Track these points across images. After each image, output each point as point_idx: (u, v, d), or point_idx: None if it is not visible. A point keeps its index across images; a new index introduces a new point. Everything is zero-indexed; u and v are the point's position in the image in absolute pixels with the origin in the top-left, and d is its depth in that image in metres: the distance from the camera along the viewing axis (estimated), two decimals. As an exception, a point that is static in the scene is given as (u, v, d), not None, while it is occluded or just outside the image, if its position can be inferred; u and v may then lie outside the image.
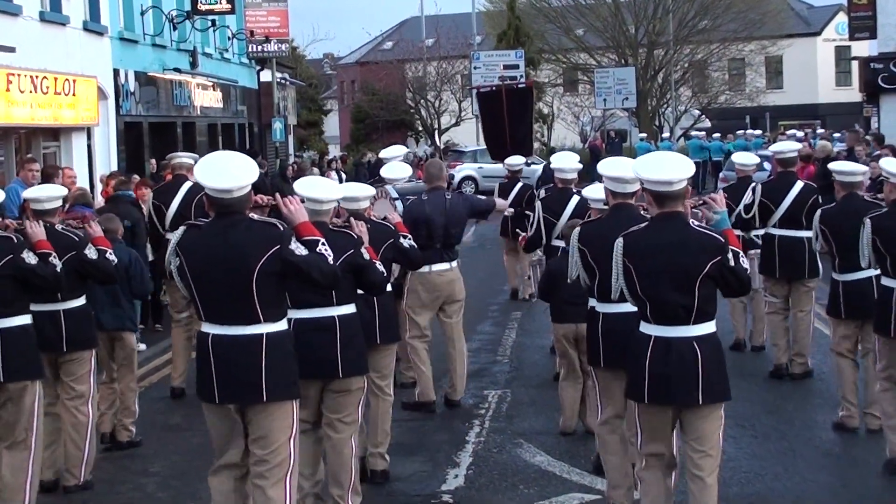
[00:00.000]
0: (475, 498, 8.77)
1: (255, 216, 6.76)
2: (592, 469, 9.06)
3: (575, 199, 11.64)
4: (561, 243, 11.46)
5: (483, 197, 12.13)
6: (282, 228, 6.64)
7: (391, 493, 8.92)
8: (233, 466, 6.88)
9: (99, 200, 16.81)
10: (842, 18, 58.57)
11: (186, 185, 12.18)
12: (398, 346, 9.99)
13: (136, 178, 18.55)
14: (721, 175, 34.49)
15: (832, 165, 10.58)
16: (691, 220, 6.77)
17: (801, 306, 12.25)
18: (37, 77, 20.35)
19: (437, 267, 11.07)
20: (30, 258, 8.07)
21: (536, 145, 41.69)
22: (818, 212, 10.22)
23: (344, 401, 7.94)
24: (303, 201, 7.12)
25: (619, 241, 6.85)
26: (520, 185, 18.10)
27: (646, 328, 6.81)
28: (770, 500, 8.56)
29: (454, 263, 11.31)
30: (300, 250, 6.59)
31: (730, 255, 6.63)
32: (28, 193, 9.38)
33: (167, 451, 10.34)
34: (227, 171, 6.61)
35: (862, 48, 41.03)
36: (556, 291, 10.04)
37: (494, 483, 9.10)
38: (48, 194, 9.10)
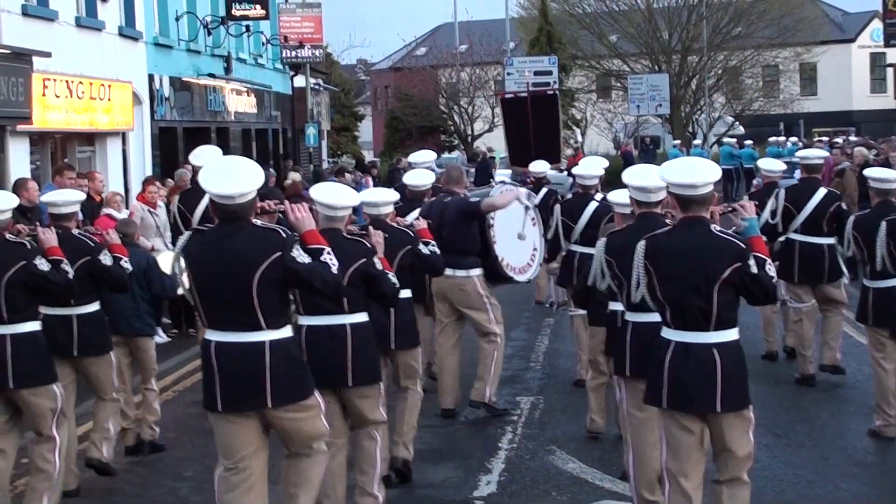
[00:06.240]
0: (507, 504, 8.78)
1: (259, 222, 6.67)
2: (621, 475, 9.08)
3: (593, 205, 11.66)
4: (577, 248, 11.51)
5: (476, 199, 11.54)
6: (284, 235, 6.55)
7: (423, 499, 8.93)
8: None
9: (134, 203, 16.89)
10: (877, 25, 58.22)
11: None
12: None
13: (170, 181, 18.60)
14: (755, 182, 34.32)
15: (867, 171, 10.51)
16: (713, 226, 6.73)
17: (830, 308, 12.21)
18: (72, 82, 20.45)
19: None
20: (42, 265, 8.05)
21: (569, 151, 41.47)
22: (851, 218, 10.16)
23: (361, 404, 7.94)
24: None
25: (641, 244, 6.82)
26: (544, 190, 18.02)
27: (667, 333, 6.77)
28: (803, 508, 8.54)
29: (461, 272, 11.02)
30: (302, 258, 6.51)
31: (751, 262, 6.57)
32: (46, 198, 9.37)
33: (200, 454, 10.33)
34: (231, 177, 6.54)
35: (897, 55, 40.80)
36: (592, 295, 10.00)
37: (527, 490, 9.10)
38: (65, 198, 9.13)
